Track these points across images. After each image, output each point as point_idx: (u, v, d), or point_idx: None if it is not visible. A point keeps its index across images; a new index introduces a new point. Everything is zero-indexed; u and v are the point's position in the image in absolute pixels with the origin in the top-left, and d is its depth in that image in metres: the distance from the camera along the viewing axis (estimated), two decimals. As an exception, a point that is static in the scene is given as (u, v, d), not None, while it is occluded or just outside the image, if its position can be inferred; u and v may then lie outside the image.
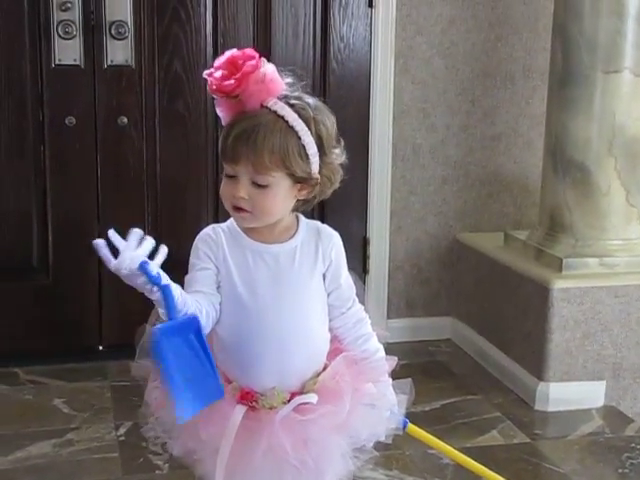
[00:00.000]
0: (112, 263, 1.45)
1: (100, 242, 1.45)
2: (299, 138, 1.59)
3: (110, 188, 3.34)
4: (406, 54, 3.53)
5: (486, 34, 3.59)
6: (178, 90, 3.34)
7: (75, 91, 3.26)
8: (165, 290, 1.49)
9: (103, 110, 3.29)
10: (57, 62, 3.22)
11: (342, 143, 1.69)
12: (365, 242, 3.60)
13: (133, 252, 1.46)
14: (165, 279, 1.49)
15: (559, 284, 3.01)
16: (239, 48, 1.61)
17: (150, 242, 1.49)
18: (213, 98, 1.65)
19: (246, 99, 1.58)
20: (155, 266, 1.48)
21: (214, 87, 1.59)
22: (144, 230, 1.49)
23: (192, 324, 1.54)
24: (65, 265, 3.35)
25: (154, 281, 1.47)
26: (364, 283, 3.59)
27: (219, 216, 3.34)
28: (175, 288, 1.52)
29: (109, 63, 3.26)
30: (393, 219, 3.63)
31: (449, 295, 3.73)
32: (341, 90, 3.46)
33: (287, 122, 1.58)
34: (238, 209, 1.61)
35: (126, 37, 3.24)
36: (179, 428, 1.62)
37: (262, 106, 1.59)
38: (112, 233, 1.46)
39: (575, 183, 3.15)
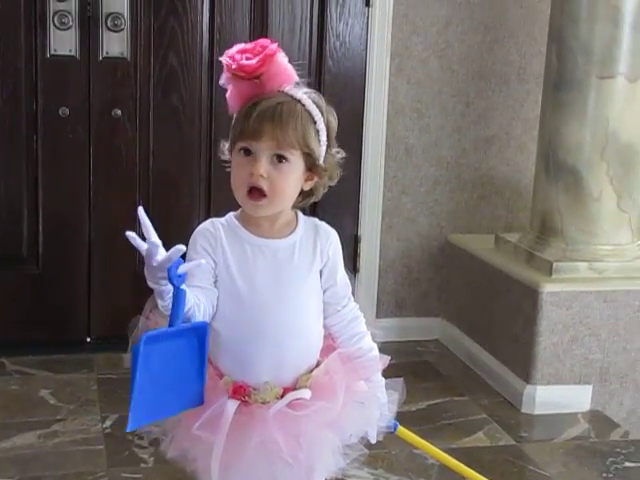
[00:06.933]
0: (151, 251, 1.41)
1: (132, 234, 1.42)
2: (314, 122, 1.62)
3: (102, 180, 3.33)
4: (402, 54, 3.53)
5: (482, 36, 3.59)
6: (173, 83, 3.34)
7: (69, 82, 3.25)
8: (179, 293, 1.46)
9: (97, 102, 3.28)
10: (52, 52, 3.21)
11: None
12: (356, 240, 3.60)
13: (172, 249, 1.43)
14: (183, 284, 1.46)
15: (548, 288, 3.02)
16: (235, 44, 1.62)
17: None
18: (220, 85, 1.65)
19: (267, 80, 1.59)
20: (182, 269, 1.44)
21: (235, 67, 1.58)
22: (135, 222, 1.48)
23: (199, 330, 1.53)
24: (55, 256, 3.35)
25: (173, 281, 1.43)
26: (354, 282, 3.58)
27: (211, 210, 3.34)
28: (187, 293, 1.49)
29: (104, 55, 3.25)
30: (384, 218, 3.63)
31: (439, 296, 3.73)
32: (336, 88, 3.45)
33: (304, 106, 1.61)
34: (254, 196, 1.59)
35: (122, 29, 3.23)
36: (173, 427, 1.62)
37: (279, 91, 1.61)
38: (141, 210, 1.44)
39: (567, 187, 3.16)
